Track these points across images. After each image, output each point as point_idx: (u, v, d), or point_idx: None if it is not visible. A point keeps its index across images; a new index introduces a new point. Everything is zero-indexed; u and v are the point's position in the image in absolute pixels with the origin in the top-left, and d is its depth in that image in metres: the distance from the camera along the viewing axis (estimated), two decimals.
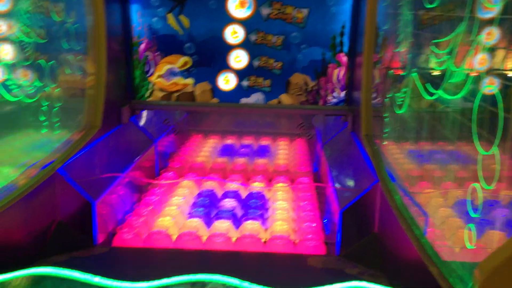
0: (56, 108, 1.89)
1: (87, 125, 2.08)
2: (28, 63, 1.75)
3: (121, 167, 2.13)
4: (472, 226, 1.11)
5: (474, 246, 1.13)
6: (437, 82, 1.31)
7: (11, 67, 1.79)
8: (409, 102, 1.56)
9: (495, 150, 0.93)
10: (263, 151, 2.79)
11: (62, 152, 1.85)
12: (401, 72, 1.66)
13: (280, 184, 2.35)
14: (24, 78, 1.86)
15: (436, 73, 1.38)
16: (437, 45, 1.33)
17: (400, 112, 1.56)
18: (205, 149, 2.82)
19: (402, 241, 1.40)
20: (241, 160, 2.65)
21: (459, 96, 1.14)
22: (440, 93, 1.24)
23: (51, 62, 1.86)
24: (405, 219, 1.40)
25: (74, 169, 1.80)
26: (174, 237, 1.87)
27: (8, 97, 1.72)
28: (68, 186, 1.75)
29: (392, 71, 1.80)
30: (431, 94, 1.32)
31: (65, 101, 1.98)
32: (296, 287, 0.77)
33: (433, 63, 1.40)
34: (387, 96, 1.72)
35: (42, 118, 1.87)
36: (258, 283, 1.18)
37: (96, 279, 0.80)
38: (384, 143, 1.80)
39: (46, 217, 1.70)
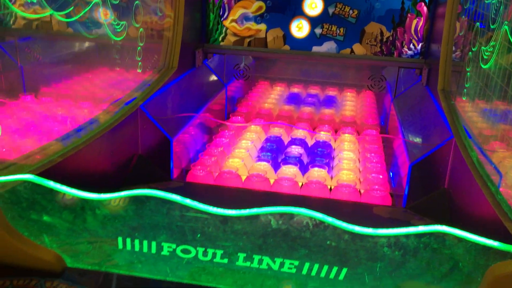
0: (139, 48, 1.97)
1: (164, 66, 2.16)
2: (115, 2, 1.81)
3: (195, 108, 2.22)
4: None
5: None
6: None
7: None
8: (496, 57, 1.50)
9: None
10: (329, 102, 2.79)
11: (143, 91, 1.95)
12: (489, 25, 1.58)
13: (348, 135, 2.36)
14: (105, 17, 1.92)
15: None
16: None
17: (485, 67, 1.50)
18: (272, 96, 2.85)
19: (474, 197, 1.39)
20: (307, 109, 2.66)
21: None
22: None
23: (136, 2, 1.92)
24: (481, 176, 1.38)
25: (153, 107, 1.90)
26: (244, 178, 1.96)
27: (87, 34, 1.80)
28: (148, 123, 1.85)
29: (478, 23, 1.72)
30: None
31: (146, 42, 2.05)
32: (382, 226, 0.81)
33: None
34: (472, 49, 1.66)
35: (127, 57, 1.96)
36: None
37: (190, 201, 0.88)
38: (463, 98, 1.76)
39: (128, 151, 1.83)
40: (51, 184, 0.90)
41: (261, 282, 0.96)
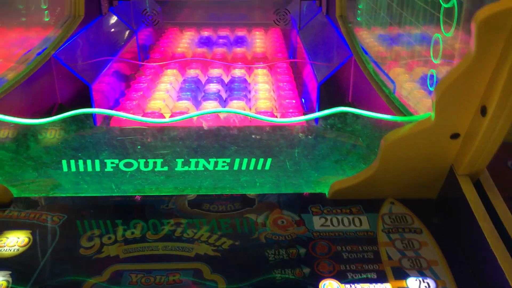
0: None
1: (70, 15, 2.13)
2: None
3: (107, 56, 2.22)
4: None
5: None
6: None
7: None
8: None
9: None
10: (240, 41, 2.90)
11: (53, 40, 1.93)
12: None
13: (260, 70, 2.51)
14: None
15: None
16: None
17: None
18: (184, 41, 2.90)
19: (372, 102, 1.61)
20: (220, 50, 2.76)
21: None
22: None
23: None
24: (376, 82, 1.60)
25: (66, 55, 1.90)
26: (167, 116, 2.04)
27: None
28: (64, 71, 1.85)
29: None
30: None
31: None
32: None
33: None
34: None
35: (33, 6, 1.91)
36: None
37: (129, 114, 0.96)
38: (358, 19, 1.95)
39: (47, 101, 1.83)
40: None
41: (199, 183, 1.09)
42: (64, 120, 0.93)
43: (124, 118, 0.97)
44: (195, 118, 2.07)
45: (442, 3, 1.13)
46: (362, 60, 1.77)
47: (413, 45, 1.58)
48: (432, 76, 1.22)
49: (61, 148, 1.00)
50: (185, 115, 0.99)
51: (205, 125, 1.04)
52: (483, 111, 0.89)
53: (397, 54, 1.96)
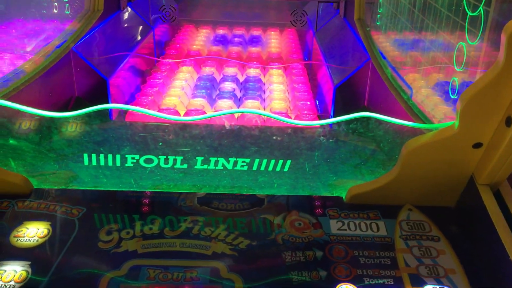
0: None
1: (90, 8, 2.14)
2: None
3: (124, 51, 2.24)
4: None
5: None
6: None
7: None
8: None
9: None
10: (255, 41, 2.90)
11: (73, 33, 1.94)
12: None
13: (275, 70, 2.51)
14: None
15: None
16: None
17: None
18: (199, 38, 2.91)
19: (390, 107, 1.61)
20: (235, 49, 2.76)
21: None
22: None
23: None
24: (394, 88, 1.59)
25: (85, 49, 1.91)
26: (182, 113, 2.05)
27: None
28: (82, 64, 1.87)
29: None
30: None
31: None
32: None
33: None
34: None
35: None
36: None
37: (151, 111, 0.97)
38: (377, 23, 1.95)
39: (65, 93, 1.84)
40: (17, 106, 0.95)
41: (217, 182, 1.10)
42: (88, 114, 0.94)
43: (155, 116, 0.97)
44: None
45: (467, 11, 1.13)
46: (380, 65, 1.77)
47: (433, 52, 1.58)
48: (454, 83, 1.22)
49: (83, 141, 1.01)
50: (218, 112, 1.00)
51: (227, 125, 1.04)
52: (508, 121, 0.89)
53: (416, 60, 1.95)
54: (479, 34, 1.07)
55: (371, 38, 1.96)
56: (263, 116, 1.95)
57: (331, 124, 1.15)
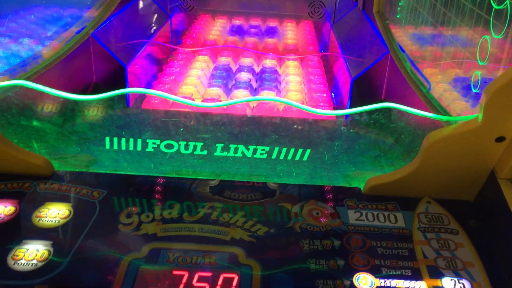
0: None
1: None
2: None
3: (142, 38, 2.25)
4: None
5: None
6: None
7: None
8: None
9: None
10: (271, 32, 2.89)
11: (92, 20, 1.95)
12: None
13: (291, 61, 2.50)
14: None
15: None
16: None
17: None
18: (216, 28, 2.91)
19: (409, 100, 1.60)
20: (251, 39, 2.75)
21: None
22: None
23: None
24: (414, 81, 1.58)
25: (104, 35, 1.92)
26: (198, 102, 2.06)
27: None
28: (101, 51, 1.88)
29: None
30: None
31: None
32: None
33: None
34: None
35: None
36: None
37: (173, 96, 0.97)
38: (397, 17, 1.93)
39: (84, 79, 1.86)
40: (43, 87, 0.96)
41: (236, 169, 1.10)
42: (111, 98, 0.94)
43: (185, 104, 0.98)
44: (225, 106, 2.09)
45: (493, 5, 1.11)
46: (399, 58, 1.76)
47: (454, 47, 1.56)
48: (476, 78, 1.21)
49: (106, 125, 1.02)
50: (227, 102, 1.00)
51: (248, 112, 1.04)
52: None
53: (435, 55, 1.93)
54: (505, 28, 1.06)
55: (390, 31, 1.94)
56: (285, 104, 1.94)
57: (347, 116, 1.15)
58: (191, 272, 0.90)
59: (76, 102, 0.98)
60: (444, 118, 1.04)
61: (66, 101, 0.97)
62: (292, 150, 1.05)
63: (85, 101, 0.98)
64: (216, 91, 2.15)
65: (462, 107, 1.38)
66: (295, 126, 1.00)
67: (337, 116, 1.13)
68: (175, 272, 0.90)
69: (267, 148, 1.05)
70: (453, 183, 1.04)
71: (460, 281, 0.90)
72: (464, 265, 0.93)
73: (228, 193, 1.08)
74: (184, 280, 0.88)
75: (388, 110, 1.00)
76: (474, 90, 1.21)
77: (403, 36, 1.99)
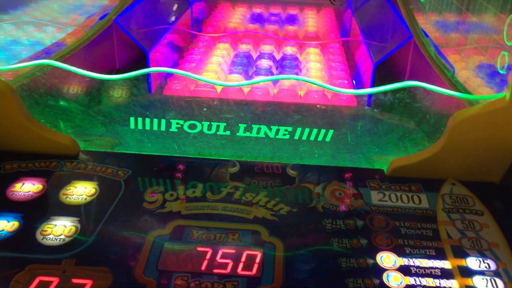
0: None
1: None
2: None
3: (163, 25, 2.26)
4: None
5: None
6: None
7: None
8: None
9: None
10: (292, 20, 2.88)
11: (115, 6, 1.97)
12: None
13: (312, 48, 2.49)
14: None
15: None
16: None
17: None
18: (236, 16, 2.91)
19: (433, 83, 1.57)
20: (271, 27, 2.75)
21: None
22: None
23: None
24: (438, 65, 1.56)
25: (126, 21, 1.94)
26: (219, 89, 2.06)
27: None
28: (124, 37, 1.89)
29: None
30: None
31: None
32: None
33: None
34: None
35: None
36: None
37: (196, 76, 0.98)
38: (421, 1, 1.90)
39: (107, 65, 1.88)
40: (70, 67, 0.97)
41: (258, 150, 1.10)
42: (137, 78, 0.95)
43: (209, 83, 0.98)
44: (246, 91, 2.09)
45: None
46: (423, 42, 1.73)
47: (479, 33, 1.53)
48: (503, 59, 1.18)
49: (130, 105, 1.03)
50: (251, 81, 1.00)
51: (271, 92, 1.04)
52: None
53: (459, 41, 1.90)
54: None
55: (413, 16, 1.91)
56: (306, 90, 1.93)
57: (369, 96, 1.13)
58: (215, 249, 0.91)
59: (102, 82, 1.00)
60: (471, 97, 1.03)
61: (92, 81, 0.98)
62: (315, 130, 1.04)
63: (110, 80, 0.99)
64: (236, 77, 2.15)
65: (487, 93, 1.35)
66: (318, 106, 1.00)
67: (361, 96, 1.12)
68: (199, 249, 0.91)
69: (289, 129, 1.05)
70: (479, 164, 1.03)
71: (485, 261, 0.89)
72: (489, 245, 0.92)
73: (248, 180, 1.09)
74: (208, 256, 0.89)
75: (413, 89, 0.99)
76: (501, 72, 1.19)
77: (428, 21, 1.96)
